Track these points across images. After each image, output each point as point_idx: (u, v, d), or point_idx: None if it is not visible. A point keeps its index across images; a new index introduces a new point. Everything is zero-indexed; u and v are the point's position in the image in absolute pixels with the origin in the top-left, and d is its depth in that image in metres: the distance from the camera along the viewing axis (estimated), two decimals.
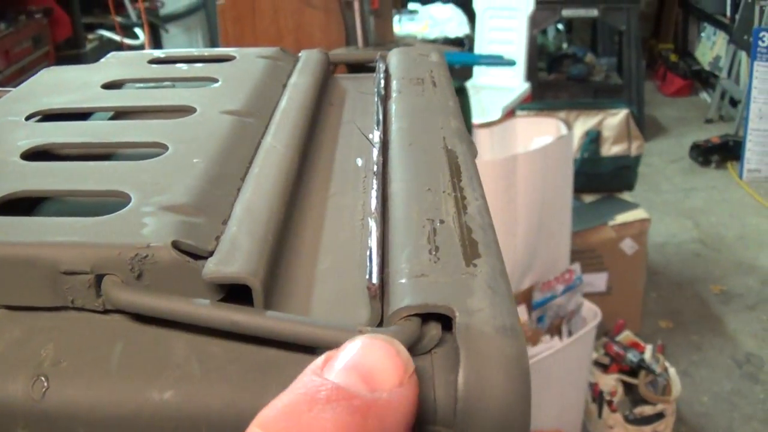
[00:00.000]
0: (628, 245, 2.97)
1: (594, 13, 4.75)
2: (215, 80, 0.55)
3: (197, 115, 0.49)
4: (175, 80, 0.58)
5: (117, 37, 3.09)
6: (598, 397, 2.52)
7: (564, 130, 2.39)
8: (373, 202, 0.39)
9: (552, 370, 2.20)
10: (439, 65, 0.60)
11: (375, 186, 0.41)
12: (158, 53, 0.63)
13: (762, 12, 4.85)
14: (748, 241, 4.04)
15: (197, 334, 0.32)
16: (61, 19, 2.97)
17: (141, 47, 3.07)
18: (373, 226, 0.37)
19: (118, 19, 3.02)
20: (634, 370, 2.57)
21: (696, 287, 3.61)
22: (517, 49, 3.68)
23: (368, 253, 0.35)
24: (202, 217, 0.36)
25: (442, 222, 0.37)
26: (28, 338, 0.34)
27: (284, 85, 0.57)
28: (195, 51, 0.65)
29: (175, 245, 0.34)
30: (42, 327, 0.34)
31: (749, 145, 4.78)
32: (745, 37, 5.07)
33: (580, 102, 4.15)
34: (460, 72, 3.83)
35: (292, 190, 0.42)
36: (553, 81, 4.91)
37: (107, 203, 0.38)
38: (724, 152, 5.02)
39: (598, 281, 2.96)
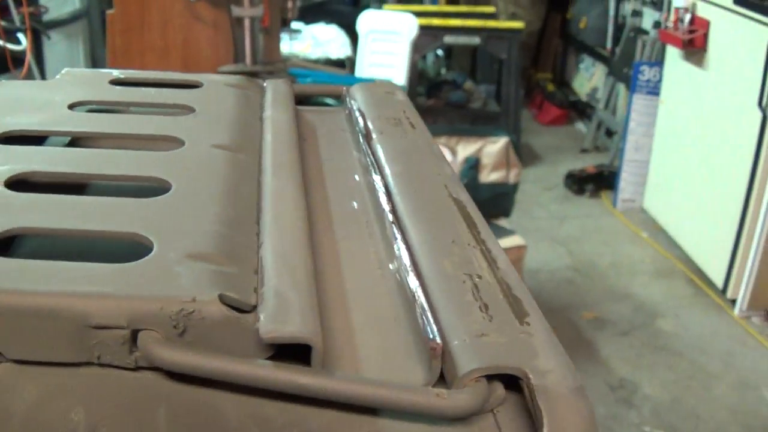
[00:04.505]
0: None
1: (476, 41, 4.83)
2: (191, 109, 0.54)
3: (187, 147, 0.46)
4: (147, 105, 0.57)
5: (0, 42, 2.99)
6: None
7: (449, 156, 2.38)
8: (405, 256, 0.39)
9: None
10: (407, 105, 0.63)
11: (398, 237, 0.40)
12: (117, 73, 0.64)
13: (644, 46, 5.00)
14: (621, 269, 4.13)
15: (246, 394, 0.30)
16: None
17: (23, 53, 3.00)
18: (414, 282, 0.36)
19: (2, 23, 2.90)
20: None
21: (568, 314, 3.66)
22: (398, 73, 3.69)
23: (420, 311, 0.34)
24: (233, 266, 0.34)
25: (480, 277, 0.38)
26: (50, 399, 0.30)
27: (260, 118, 0.57)
28: (159, 74, 0.66)
29: (222, 299, 0.32)
30: (61, 385, 0.30)
31: (624, 176, 4.91)
32: (625, 70, 5.23)
33: (459, 128, 4.19)
34: None
35: (311, 236, 0.40)
36: (432, 106, 4.96)
37: (121, 245, 0.33)
38: (599, 182, 5.15)
39: None
